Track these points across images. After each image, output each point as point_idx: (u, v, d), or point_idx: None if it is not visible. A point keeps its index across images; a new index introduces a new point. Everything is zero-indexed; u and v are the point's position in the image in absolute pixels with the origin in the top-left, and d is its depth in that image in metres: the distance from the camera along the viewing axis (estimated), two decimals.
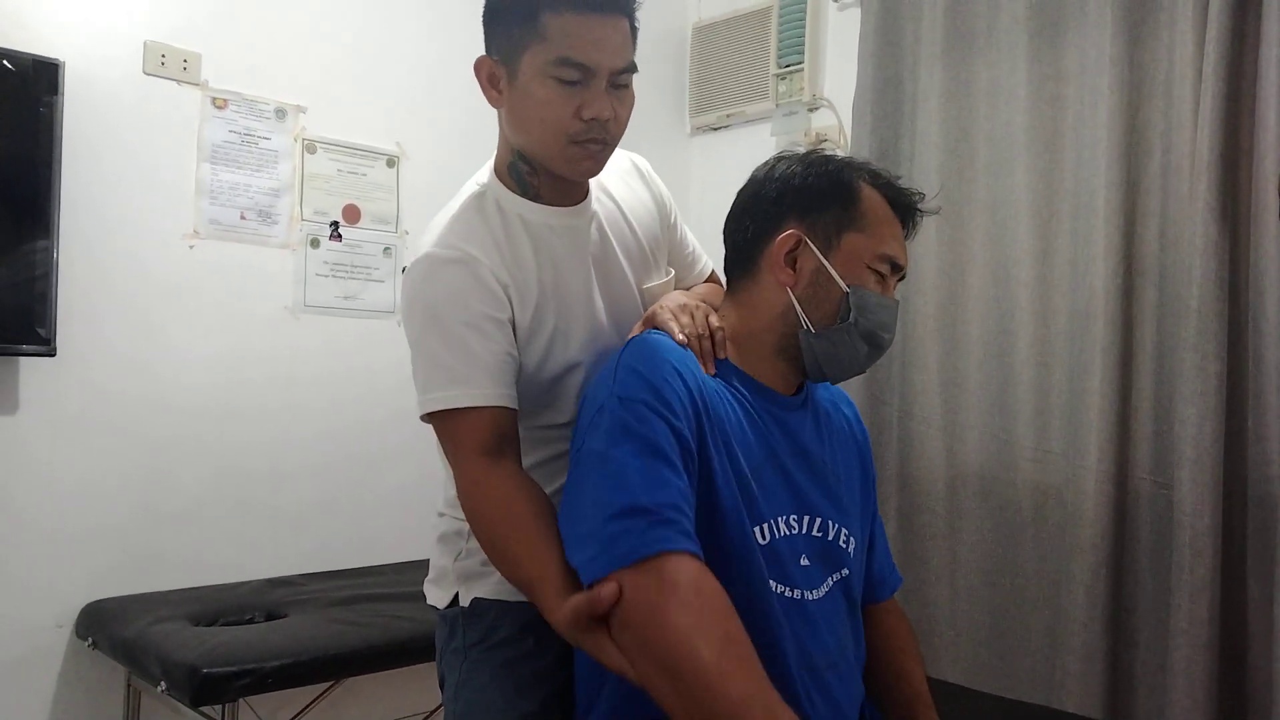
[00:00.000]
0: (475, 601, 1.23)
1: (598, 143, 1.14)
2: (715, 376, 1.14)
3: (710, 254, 1.44)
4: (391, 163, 2.71)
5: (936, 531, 2.42)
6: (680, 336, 1.14)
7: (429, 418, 1.15)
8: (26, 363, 2.14)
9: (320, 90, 2.57)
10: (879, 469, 1.61)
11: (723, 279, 1.28)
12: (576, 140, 1.13)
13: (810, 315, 1.14)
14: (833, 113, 2.85)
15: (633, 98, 1.17)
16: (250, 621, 2.15)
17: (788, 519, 1.13)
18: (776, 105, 2.96)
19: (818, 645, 1.12)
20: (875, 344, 1.16)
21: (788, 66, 2.93)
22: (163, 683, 1.85)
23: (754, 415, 1.14)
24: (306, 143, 2.55)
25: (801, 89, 2.89)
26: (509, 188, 1.21)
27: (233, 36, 2.43)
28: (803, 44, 2.89)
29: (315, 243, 2.57)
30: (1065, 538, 2.18)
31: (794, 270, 1.14)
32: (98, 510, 2.23)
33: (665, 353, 1.10)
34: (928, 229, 1.25)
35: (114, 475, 2.25)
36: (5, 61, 2.04)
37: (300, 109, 2.54)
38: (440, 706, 1.31)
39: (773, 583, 1.08)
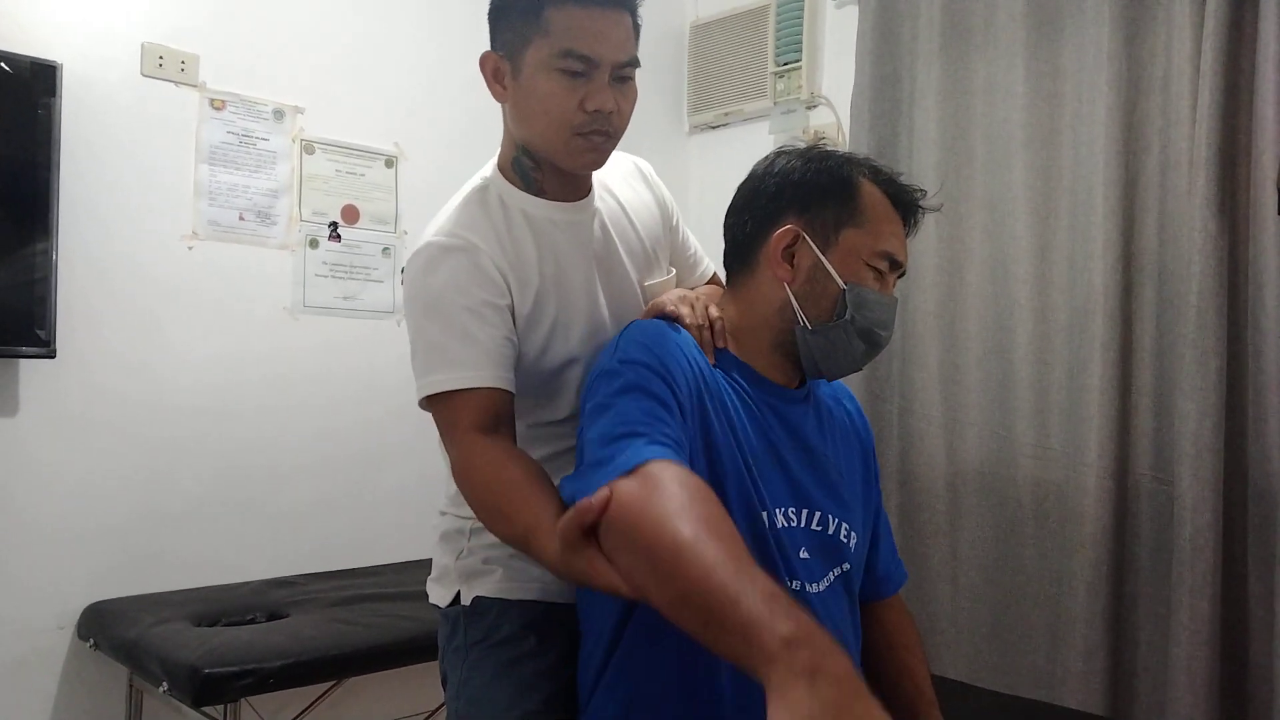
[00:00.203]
0: (477, 600, 1.23)
1: (601, 134, 1.15)
2: (715, 367, 1.14)
3: (708, 252, 1.45)
4: (390, 163, 2.70)
5: (937, 528, 2.42)
6: (686, 321, 1.15)
7: (427, 404, 1.16)
8: (26, 364, 2.14)
9: (318, 91, 2.57)
10: (879, 466, 1.61)
11: (724, 280, 1.29)
12: (580, 132, 1.14)
13: (807, 311, 1.14)
14: (831, 110, 2.85)
15: (635, 92, 1.18)
16: (252, 622, 2.14)
17: (785, 510, 1.12)
18: (774, 103, 2.96)
19: None
20: (872, 342, 1.15)
21: (785, 64, 2.93)
22: (164, 683, 1.85)
23: (752, 407, 1.14)
24: (305, 143, 2.55)
25: (799, 87, 2.89)
26: (512, 183, 1.22)
27: (230, 38, 2.43)
28: (800, 42, 2.89)
29: (314, 243, 2.57)
30: (1066, 534, 2.18)
31: (791, 266, 1.14)
32: (98, 511, 2.23)
33: (669, 331, 1.12)
34: (926, 226, 1.25)
35: (114, 476, 2.25)
36: (3, 64, 2.04)
37: (298, 110, 2.54)
38: (441, 706, 1.31)
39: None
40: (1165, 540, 2.05)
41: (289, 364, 2.51)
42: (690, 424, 1.05)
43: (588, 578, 0.93)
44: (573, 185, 1.23)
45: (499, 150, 1.25)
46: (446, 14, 2.73)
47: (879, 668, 1.28)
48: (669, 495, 0.89)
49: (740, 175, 1.23)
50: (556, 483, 1.08)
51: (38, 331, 2.08)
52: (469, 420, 1.11)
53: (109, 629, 2.07)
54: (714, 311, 1.20)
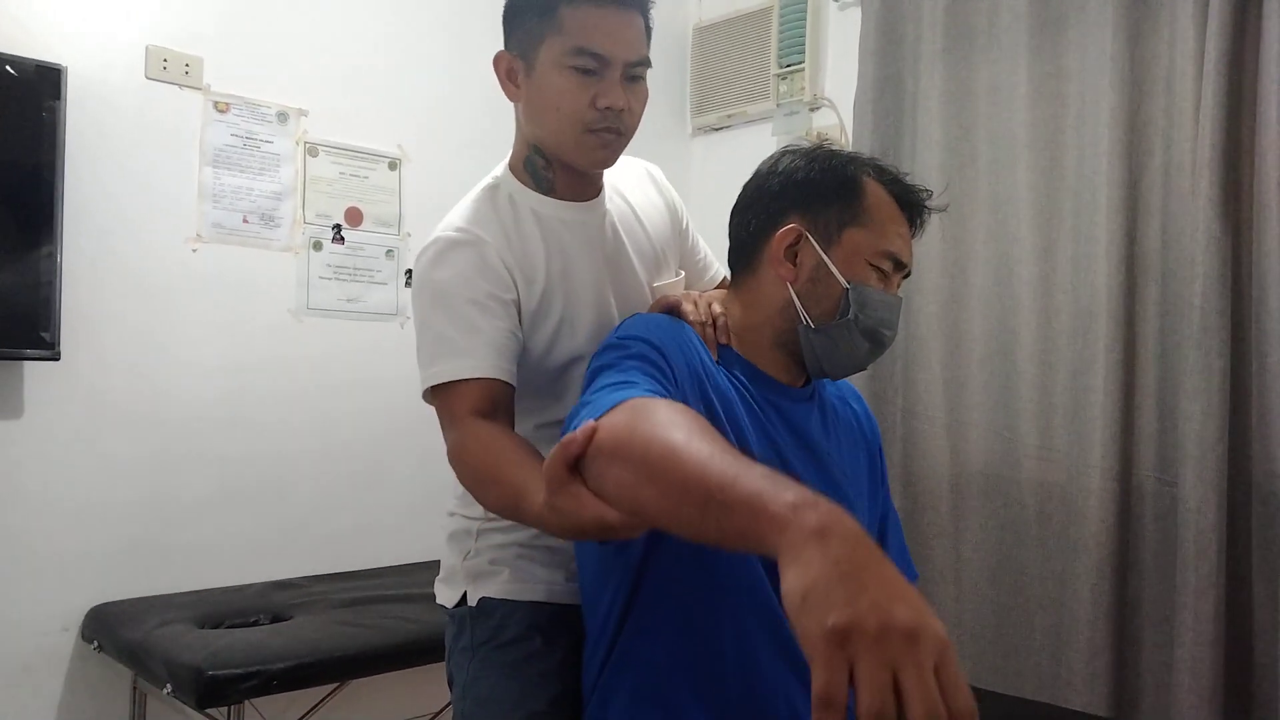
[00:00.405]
0: (483, 601, 1.23)
1: (612, 132, 1.17)
2: (718, 363, 1.14)
3: (712, 253, 1.45)
4: (393, 165, 2.71)
5: (940, 530, 2.42)
6: (690, 317, 1.17)
7: (430, 396, 1.16)
8: (31, 367, 2.15)
9: (322, 93, 2.57)
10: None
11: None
12: (592, 129, 1.16)
13: (810, 310, 1.14)
14: (834, 112, 2.85)
15: (646, 92, 1.20)
16: (256, 624, 2.15)
17: None
18: (778, 105, 2.96)
19: None
20: (876, 341, 1.15)
21: (788, 66, 2.93)
22: (168, 685, 1.85)
23: (753, 405, 1.14)
24: (308, 146, 2.56)
25: (802, 89, 2.90)
26: (524, 183, 1.24)
27: (234, 41, 2.43)
28: (803, 44, 2.89)
29: (318, 246, 2.57)
30: (1069, 535, 2.18)
31: (794, 265, 1.14)
32: (102, 514, 2.23)
33: (671, 321, 1.13)
34: (930, 228, 1.25)
35: (118, 478, 2.26)
36: (8, 67, 2.05)
37: (302, 112, 2.54)
38: (445, 708, 1.31)
39: None
40: (1169, 541, 2.04)
41: (293, 366, 2.51)
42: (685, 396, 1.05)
43: (575, 516, 0.87)
44: (583, 185, 1.25)
45: (511, 151, 1.27)
46: (451, 17, 2.74)
47: None
48: (658, 416, 0.86)
49: (743, 177, 1.23)
50: None
51: (42, 334, 2.08)
52: (467, 407, 1.12)
53: (113, 631, 2.08)
54: (717, 309, 1.20)
